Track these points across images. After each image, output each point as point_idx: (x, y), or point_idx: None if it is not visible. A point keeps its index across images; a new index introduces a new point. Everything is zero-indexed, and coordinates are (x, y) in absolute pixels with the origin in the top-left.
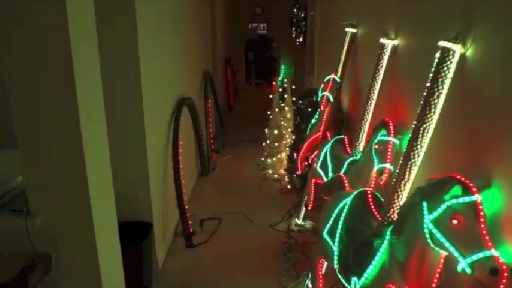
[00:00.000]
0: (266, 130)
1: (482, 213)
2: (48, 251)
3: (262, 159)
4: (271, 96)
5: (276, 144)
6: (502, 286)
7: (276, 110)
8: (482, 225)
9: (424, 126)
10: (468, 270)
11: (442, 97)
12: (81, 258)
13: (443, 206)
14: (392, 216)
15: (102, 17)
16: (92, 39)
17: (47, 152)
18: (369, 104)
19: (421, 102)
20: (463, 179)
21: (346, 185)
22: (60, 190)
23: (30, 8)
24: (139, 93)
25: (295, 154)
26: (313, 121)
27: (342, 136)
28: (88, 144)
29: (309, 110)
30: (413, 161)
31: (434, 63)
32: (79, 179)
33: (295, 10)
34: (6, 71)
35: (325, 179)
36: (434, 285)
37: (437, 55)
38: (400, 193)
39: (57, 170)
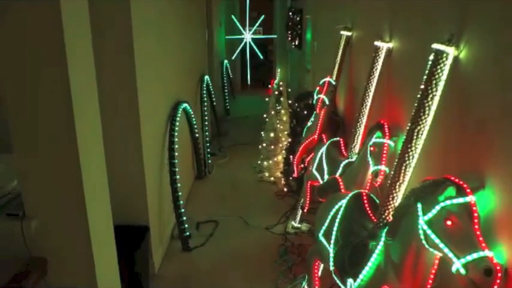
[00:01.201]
0: (262, 133)
1: (476, 214)
2: (44, 255)
3: (259, 162)
4: (267, 99)
5: (272, 147)
6: (496, 286)
7: (272, 112)
8: (476, 226)
9: (419, 128)
10: (462, 271)
11: (436, 99)
12: (76, 262)
13: (438, 207)
14: (387, 218)
15: (98, 22)
16: (87, 44)
17: (43, 156)
18: (364, 106)
19: (415, 104)
20: (457, 180)
21: (341, 187)
22: (56, 194)
23: (25, 8)
24: (135, 97)
25: (291, 157)
26: (309, 124)
27: (338, 138)
28: (83, 148)
29: (305, 112)
30: (407, 162)
31: (428, 66)
32: (74, 182)
33: (290, 13)
34: (1, 73)
35: (321, 182)
36: (429, 286)
37: (431, 57)
38: (395, 195)
39: (53, 174)
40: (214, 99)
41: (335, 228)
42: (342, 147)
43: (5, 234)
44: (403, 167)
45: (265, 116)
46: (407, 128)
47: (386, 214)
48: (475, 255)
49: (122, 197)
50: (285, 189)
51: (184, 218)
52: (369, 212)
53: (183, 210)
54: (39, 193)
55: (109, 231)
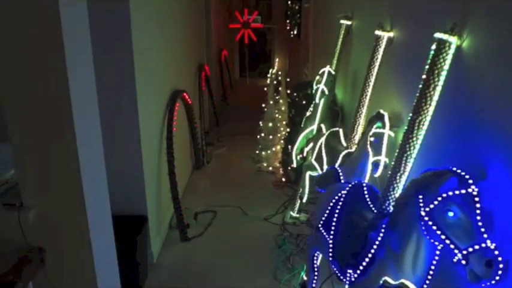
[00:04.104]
0: (261, 123)
1: (478, 205)
2: (42, 245)
3: (257, 152)
4: (265, 89)
5: (271, 136)
6: (497, 278)
7: (271, 102)
8: (478, 217)
9: (420, 118)
10: (464, 262)
11: (438, 89)
12: (75, 251)
13: (439, 198)
14: (388, 209)
15: (96, 9)
16: (85, 34)
17: (40, 145)
18: (364, 96)
19: (417, 95)
20: (459, 171)
21: (341, 177)
22: (53, 183)
23: None
24: (133, 86)
25: (289, 147)
26: (307, 114)
27: (337, 128)
28: (81, 136)
29: (304, 102)
30: (409, 153)
31: (430, 55)
32: (72, 172)
33: (289, 2)
34: None
35: (320, 172)
36: (429, 277)
37: (433, 47)
38: (395, 185)
39: (50, 163)
40: (211, 89)
41: (335, 219)
42: (342, 138)
43: (2, 224)
44: (404, 158)
45: (263, 105)
46: (409, 118)
47: (386, 205)
48: (476, 247)
49: (120, 186)
50: (284, 179)
51: (183, 208)
52: (369, 202)
53: (181, 200)
54: (36, 183)
55: (107, 221)
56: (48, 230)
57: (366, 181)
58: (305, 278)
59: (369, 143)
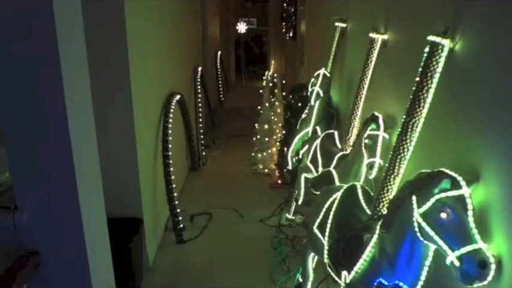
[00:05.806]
0: (256, 125)
1: (470, 207)
2: (37, 248)
3: (253, 154)
4: (261, 91)
5: (266, 139)
6: (490, 278)
7: (266, 104)
8: (471, 219)
9: (414, 120)
10: (457, 263)
11: (431, 91)
12: (70, 254)
13: (432, 200)
14: (382, 210)
15: (91, 11)
16: (80, 35)
17: (34, 147)
18: (358, 98)
19: (411, 97)
20: (452, 172)
21: (336, 179)
22: (48, 186)
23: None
24: (129, 89)
25: (285, 149)
26: (303, 116)
27: (332, 131)
28: (76, 139)
29: (299, 104)
30: (402, 155)
31: (424, 58)
32: (67, 174)
33: (285, 4)
34: None
35: (316, 174)
36: (423, 279)
37: (427, 49)
38: (389, 187)
39: (45, 166)
40: (207, 91)
41: (329, 221)
42: (337, 140)
43: None
44: (398, 160)
45: (259, 108)
46: (402, 120)
47: (381, 207)
48: (469, 248)
49: (116, 189)
50: (279, 181)
51: (178, 210)
52: (364, 204)
53: (176, 202)
54: (31, 185)
55: (102, 224)
56: (43, 233)
57: (361, 183)
58: (301, 280)
59: (363, 145)
